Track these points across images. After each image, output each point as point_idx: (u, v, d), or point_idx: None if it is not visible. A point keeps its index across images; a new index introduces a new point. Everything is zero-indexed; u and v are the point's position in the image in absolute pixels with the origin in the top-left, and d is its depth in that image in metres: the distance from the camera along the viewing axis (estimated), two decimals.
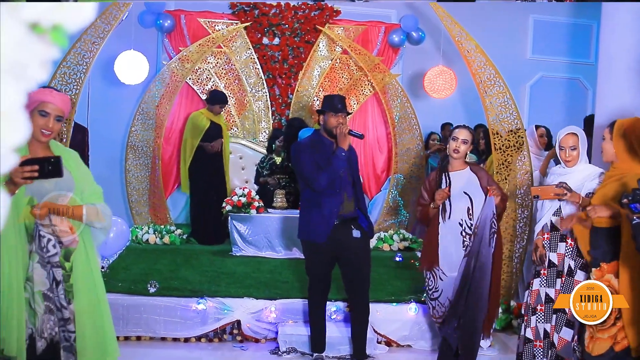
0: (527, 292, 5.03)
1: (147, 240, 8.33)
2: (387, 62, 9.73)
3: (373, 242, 8.24)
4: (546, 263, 4.84)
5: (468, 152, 5.06)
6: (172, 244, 8.33)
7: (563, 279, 4.75)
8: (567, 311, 4.64)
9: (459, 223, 4.94)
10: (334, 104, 5.15)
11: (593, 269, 4.36)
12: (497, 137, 6.81)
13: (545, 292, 4.84)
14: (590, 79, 9.70)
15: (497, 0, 10.59)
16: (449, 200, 4.92)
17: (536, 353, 4.86)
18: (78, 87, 6.98)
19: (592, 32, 10.30)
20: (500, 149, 6.78)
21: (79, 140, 7.55)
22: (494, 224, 4.77)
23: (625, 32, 6.22)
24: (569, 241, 4.77)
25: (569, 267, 4.73)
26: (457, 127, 5.05)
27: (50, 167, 3.04)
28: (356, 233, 5.18)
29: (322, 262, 5.26)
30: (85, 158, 7.75)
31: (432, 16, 8.96)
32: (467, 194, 4.91)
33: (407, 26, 9.60)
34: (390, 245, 8.37)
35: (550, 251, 4.84)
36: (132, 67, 8.81)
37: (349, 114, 5.27)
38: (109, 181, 8.68)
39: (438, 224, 4.98)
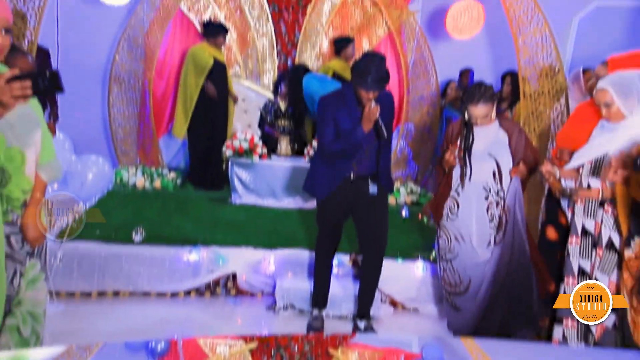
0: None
1: (135, 184, 7.77)
2: None
3: None
4: (579, 232, 4.16)
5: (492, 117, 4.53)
6: (164, 189, 7.82)
7: (601, 251, 4.07)
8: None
9: (483, 187, 4.61)
10: (365, 78, 4.37)
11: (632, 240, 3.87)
12: (528, 82, 6.41)
13: (579, 265, 4.20)
14: None
15: None
16: (469, 161, 4.58)
17: (567, 334, 4.36)
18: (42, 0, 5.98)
19: None
20: (531, 96, 6.16)
21: (38, 66, 6.61)
22: (521, 207, 4.55)
23: None
24: (607, 207, 4.02)
25: (610, 239, 4.02)
26: (469, 100, 4.45)
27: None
28: (373, 189, 4.78)
29: (332, 216, 4.89)
30: None
31: None
32: (492, 155, 4.54)
33: None
34: (396, 198, 7.89)
35: (586, 217, 4.14)
36: None
37: (380, 89, 4.48)
38: (85, 115, 8.19)
39: (451, 176, 4.70)
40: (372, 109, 4.36)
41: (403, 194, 7.98)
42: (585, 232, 4.11)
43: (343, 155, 4.65)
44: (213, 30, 7.89)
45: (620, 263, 3.93)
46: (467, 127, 4.53)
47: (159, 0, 8.31)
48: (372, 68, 4.36)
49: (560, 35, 7.31)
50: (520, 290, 4.56)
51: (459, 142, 4.58)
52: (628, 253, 3.87)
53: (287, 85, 7.94)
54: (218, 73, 7.94)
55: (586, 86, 5.97)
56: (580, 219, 4.13)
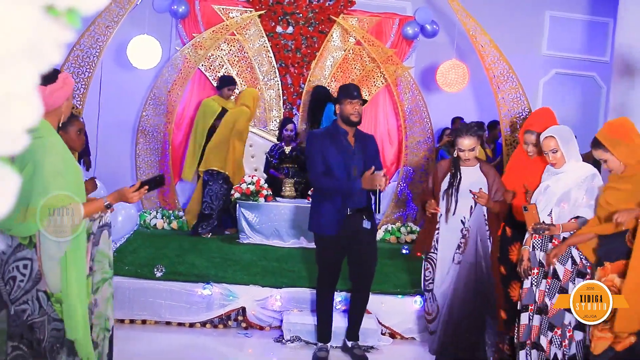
0: (519, 291, 4.85)
1: (155, 225, 8.54)
2: (400, 54, 9.60)
3: (380, 234, 8.61)
4: (538, 263, 4.66)
5: (477, 152, 5.07)
6: (180, 230, 8.52)
7: (549, 280, 4.61)
8: (549, 313, 4.59)
9: (461, 220, 5.02)
10: (350, 91, 5.08)
11: (597, 268, 4.37)
12: (507, 132, 6.96)
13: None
14: (604, 76, 9.62)
15: None
16: (456, 197, 4.99)
17: (527, 352, 4.73)
18: (91, 71, 7.29)
19: (608, 29, 10.10)
20: (511, 144, 6.91)
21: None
22: (487, 231, 4.98)
23: None
24: (555, 242, 4.62)
25: (554, 269, 4.59)
26: (458, 135, 5.01)
27: (156, 183, 3.79)
28: (367, 224, 5.16)
29: (333, 253, 5.25)
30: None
31: (446, 9, 9.01)
32: (472, 193, 4.92)
33: (422, 19, 9.43)
34: (397, 237, 8.56)
35: (541, 251, 4.67)
36: (145, 52, 8.87)
37: (364, 102, 5.21)
38: (118, 164, 9.16)
39: (438, 213, 5.08)
40: (380, 179, 4.85)
41: (403, 233, 8.53)
42: (540, 263, 4.64)
43: (334, 194, 5.07)
44: (221, 84, 8.72)
45: (562, 290, 4.48)
46: (455, 166, 5.03)
47: (181, 62, 9.17)
48: (350, 85, 5.18)
49: (531, 94, 8.37)
50: (477, 309, 4.95)
51: (447, 180, 5.05)
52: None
53: (309, 102, 8.64)
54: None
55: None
56: (537, 253, 4.66)
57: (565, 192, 4.56)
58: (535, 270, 4.67)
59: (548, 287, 4.60)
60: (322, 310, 5.45)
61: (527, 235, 4.74)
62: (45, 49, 0.91)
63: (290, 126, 8.75)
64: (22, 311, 3.29)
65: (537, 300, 4.64)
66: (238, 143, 8.32)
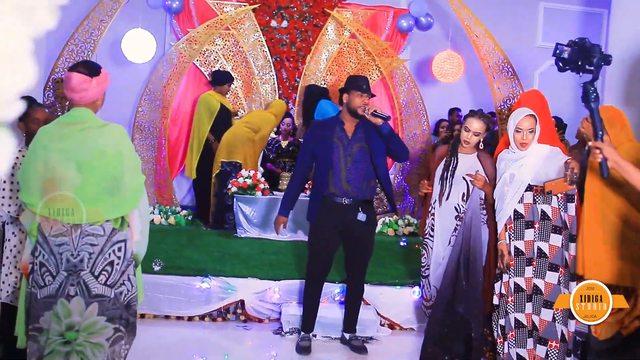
0: (498, 283, 4.67)
1: (152, 220, 8.25)
2: (395, 47, 9.66)
3: (378, 227, 8.33)
4: (512, 253, 4.54)
5: (480, 141, 4.89)
6: (177, 225, 8.43)
7: (535, 263, 4.51)
8: (544, 292, 4.50)
9: (455, 207, 4.91)
10: (360, 83, 5.09)
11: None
12: (505, 122, 7.00)
13: (514, 282, 4.55)
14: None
15: None
16: (450, 182, 4.87)
17: (509, 343, 4.61)
18: None
19: (602, 20, 10.04)
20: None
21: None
22: (483, 213, 4.85)
23: (636, 21, 6.36)
24: (536, 225, 4.51)
25: (539, 249, 4.50)
26: (470, 115, 4.89)
27: None
28: (361, 216, 5.12)
29: (321, 241, 5.24)
30: None
31: (441, 2, 9.01)
32: (465, 179, 4.84)
33: (416, 11, 9.42)
34: (395, 230, 8.42)
35: (516, 240, 4.55)
36: (139, 46, 8.95)
37: (372, 96, 5.23)
38: None
39: (431, 198, 5.00)
40: (367, 107, 4.96)
41: (401, 226, 8.47)
42: (517, 252, 4.53)
43: (326, 170, 5.12)
44: (220, 79, 8.69)
45: (552, 267, 4.45)
46: (453, 151, 4.92)
47: (176, 57, 9.20)
48: (360, 78, 5.19)
49: (526, 86, 8.38)
50: (468, 292, 4.76)
51: (443, 164, 4.95)
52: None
53: (303, 102, 8.64)
54: (224, 117, 8.69)
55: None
56: (512, 243, 4.56)
57: (534, 176, 4.48)
58: (511, 262, 4.59)
59: (534, 269, 4.52)
60: (306, 299, 5.45)
61: (500, 230, 4.67)
62: (39, 11, 0.89)
63: (287, 120, 8.79)
64: (120, 293, 3.59)
65: (525, 288, 4.55)
66: (259, 145, 8.52)
